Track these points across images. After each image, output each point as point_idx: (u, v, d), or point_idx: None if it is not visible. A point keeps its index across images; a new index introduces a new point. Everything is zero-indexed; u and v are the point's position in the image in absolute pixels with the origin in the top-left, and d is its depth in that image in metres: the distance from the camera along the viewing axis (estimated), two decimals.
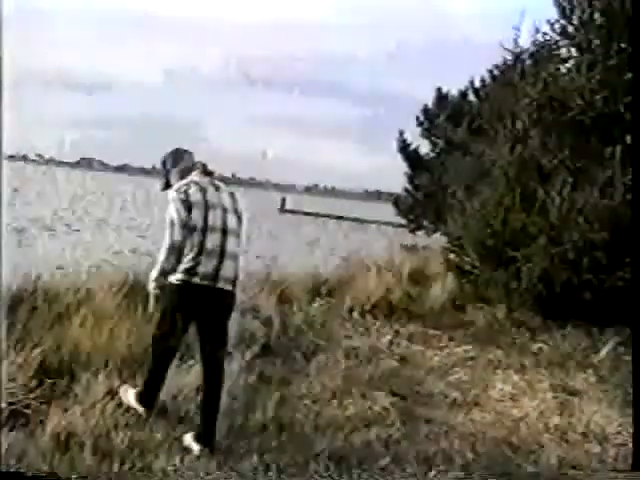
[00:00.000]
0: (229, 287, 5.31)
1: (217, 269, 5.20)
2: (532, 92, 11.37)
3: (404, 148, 29.59)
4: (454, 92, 28.85)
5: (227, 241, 5.26)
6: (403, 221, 31.13)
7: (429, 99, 29.59)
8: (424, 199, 28.27)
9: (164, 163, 5.64)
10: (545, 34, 11.96)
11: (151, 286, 5.34)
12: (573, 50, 11.77)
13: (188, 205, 5.16)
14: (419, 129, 29.46)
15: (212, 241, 5.19)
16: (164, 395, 5.81)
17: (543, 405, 7.11)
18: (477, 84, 27.41)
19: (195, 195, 5.22)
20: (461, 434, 6.07)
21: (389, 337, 9.16)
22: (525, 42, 13.13)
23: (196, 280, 5.17)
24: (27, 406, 5.58)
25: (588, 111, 10.66)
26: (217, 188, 5.38)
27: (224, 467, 4.97)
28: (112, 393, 5.85)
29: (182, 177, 5.43)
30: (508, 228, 10.85)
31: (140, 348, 7.16)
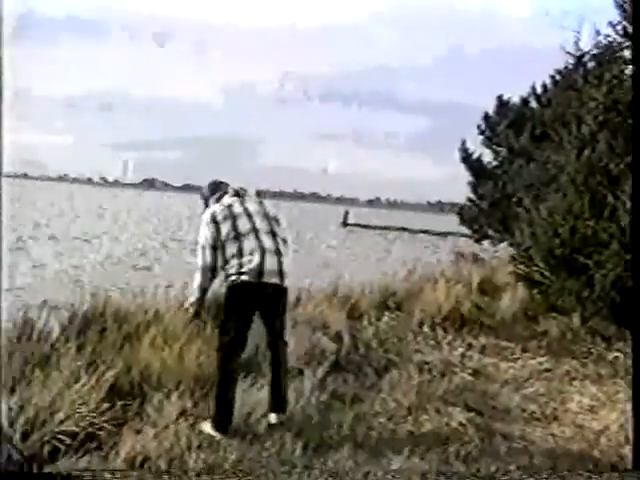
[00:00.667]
0: (275, 280, 5.75)
1: (261, 265, 5.67)
2: (597, 95, 11.13)
3: (467, 157, 29.29)
4: (515, 99, 28.46)
5: (262, 240, 5.76)
6: (468, 231, 30.83)
7: (490, 107, 29.26)
8: (489, 208, 27.90)
9: (203, 194, 6.28)
10: (607, 36, 11.72)
11: (190, 307, 6.25)
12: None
13: (216, 224, 5.80)
14: (480, 138, 29.10)
15: (248, 244, 5.72)
16: (236, 416, 5.74)
17: (623, 417, 6.86)
18: (539, 90, 27.03)
19: (221, 213, 5.84)
20: (541, 449, 5.87)
21: (461, 350, 8.98)
22: (586, 45, 12.99)
23: (244, 278, 5.67)
24: (99, 429, 5.50)
25: None
26: (242, 201, 5.99)
27: None
28: (185, 414, 5.80)
29: (217, 202, 6.06)
30: (577, 235, 10.60)
31: (211, 367, 7.16)
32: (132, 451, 5.03)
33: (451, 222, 38.37)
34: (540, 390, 7.65)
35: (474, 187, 29.27)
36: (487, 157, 29.32)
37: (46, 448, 5.01)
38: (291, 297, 10.68)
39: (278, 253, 5.80)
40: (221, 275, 5.87)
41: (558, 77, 25.10)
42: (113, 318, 8.64)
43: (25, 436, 5.04)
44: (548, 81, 26.04)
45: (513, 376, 8.16)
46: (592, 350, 9.53)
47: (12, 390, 5.59)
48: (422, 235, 51.48)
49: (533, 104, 27.33)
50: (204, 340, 7.69)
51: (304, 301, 10.43)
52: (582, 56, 15.15)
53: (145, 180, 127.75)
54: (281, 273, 5.79)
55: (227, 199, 6.01)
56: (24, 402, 5.39)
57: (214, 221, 5.80)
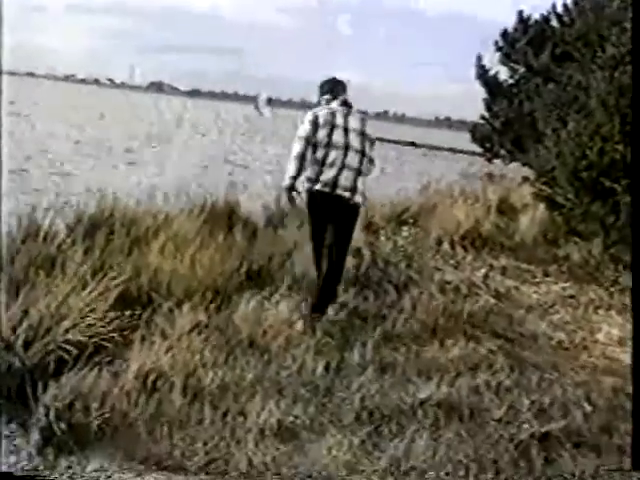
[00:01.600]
0: (347, 194, 6.16)
1: (335, 179, 6.12)
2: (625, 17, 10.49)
3: (482, 74, 28.41)
4: (536, 16, 27.48)
5: (347, 156, 6.15)
6: (478, 149, 30.18)
7: (509, 23, 28.29)
8: (502, 127, 27.20)
9: (319, 88, 6.61)
10: None
11: (285, 192, 6.23)
12: None
13: (316, 125, 6.13)
14: (497, 55, 28.21)
15: (333, 155, 6.12)
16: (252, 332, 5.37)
17: None
18: (559, 9, 26.10)
19: (323, 117, 6.16)
20: (574, 382, 5.48)
21: (483, 271, 8.57)
22: None
23: (318, 187, 6.16)
24: (108, 340, 5.10)
25: None
26: (347, 113, 6.28)
27: (324, 413, 4.51)
28: (199, 327, 5.41)
29: (327, 103, 6.41)
30: (606, 159, 10.09)
31: (223, 277, 6.79)
32: (143, 366, 4.62)
33: (461, 139, 37.74)
34: (566, 317, 7.26)
35: (488, 105, 28.46)
36: (503, 75, 28.44)
37: (50, 358, 4.59)
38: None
39: (358, 172, 6.22)
40: (303, 174, 6.18)
41: None
42: (121, 222, 8.33)
43: (27, 344, 4.64)
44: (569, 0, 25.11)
45: (537, 301, 7.76)
46: (615, 278, 9.11)
47: (16, 293, 5.16)
48: (430, 150, 50.63)
49: (554, 23, 26.38)
50: (217, 248, 7.35)
51: None
52: None
53: (152, 83, 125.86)
54: (354, 189, 6.20)
55: (335, 105, 6.33)
56: (27, 306, 4.98)
57: (315, 122, 6.15)
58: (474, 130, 29.41)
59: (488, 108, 28.37)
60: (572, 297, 8.06)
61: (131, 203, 9.19)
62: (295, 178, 6.08)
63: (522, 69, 26.93)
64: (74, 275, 5.71)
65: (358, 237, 8.70)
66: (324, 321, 5.90)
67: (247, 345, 5.29)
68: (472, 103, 29.18)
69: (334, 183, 6.13)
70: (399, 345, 5.69)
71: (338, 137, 6.17)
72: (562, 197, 10.84)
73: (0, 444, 3.97)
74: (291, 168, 6.08)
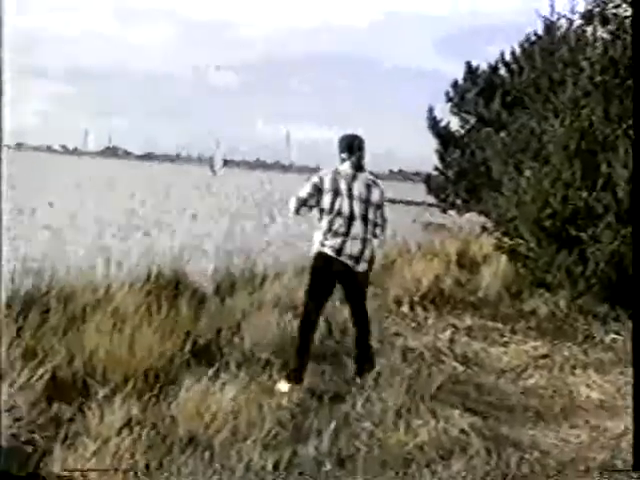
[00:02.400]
0: (351, 262, 6.19)
1: (341, 247, 6.16)
2: (592, 54, 10.09)
3: (434, 125, 28.18)
4: (484, 66, 27.40)
5: (352, 225, 6.18)
6: (433, 200, 29.82)
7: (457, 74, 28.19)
8: (456, 177, 26.90)
9: (338, 144, 6.46)
10: None
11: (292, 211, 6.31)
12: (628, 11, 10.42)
13: (319, 189, 6.21)
14: (448, 105, 28.04)
15: (338, 223, 6.17)
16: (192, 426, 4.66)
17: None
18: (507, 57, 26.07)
19: (328, 183, 6.21)
20: (558, 462, 4.84)
21: (448, 333, 7.94)
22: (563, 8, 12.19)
23: (324, 251, 6.19)
24: (28, 442, 4.41)
25: None
26: (353, 178, 6.26)
27: None
28: (131, 424, 4.70)
29: (342, 161, 6.35)
30: (569, 206, 9.61)
31: (165, 358, 6.15)
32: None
33: (415, 191, 37.42)
34: (541, 382, 6.65)
35: (441, 156, 28.18)
36: (455, 125, 28.25)
37: None
38: (257, 276, 9.75)
39: (363, 240, 6.23)
40: (313, 236, 6.34)
41: (527, 45, 24.23)
42: (58, 297, 7.74)
43: None
44: (517, 49, 25.07)
45: (508, 364, 7.15)
46: (586, 332, 8.57)
47: None
48: (388, 204, 50.31)
49: (502, 72, 26.32)
50: (159, 324, 6.72)
51: (271, 279, 9.39)
52: (558, 19, 14.30)
53: (107, 148, 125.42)
54: (358, 258, 6.22)
55: (345, 167, 6.30)
56: None
57: (318, 187, 6.22)
58: (429, 181, 29.07)
59: (441, 159, 28.10)
60: (545, 357, 7.48)
61: (71, 275, 8.65)
62: (296, 210, 6.27)
63: (473, 119, 26.74)
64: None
65: None
66: (273, 408, 5.20)
67: (186, 442, 4.57)
68: (426, 155, 28.88)
69: (339, 250, 6.19)
70: (360, 431, 4.99)
71: (343, 204, 6.19)
72: (525, 248, 10.32)
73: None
74: (294, 202, 6.26)
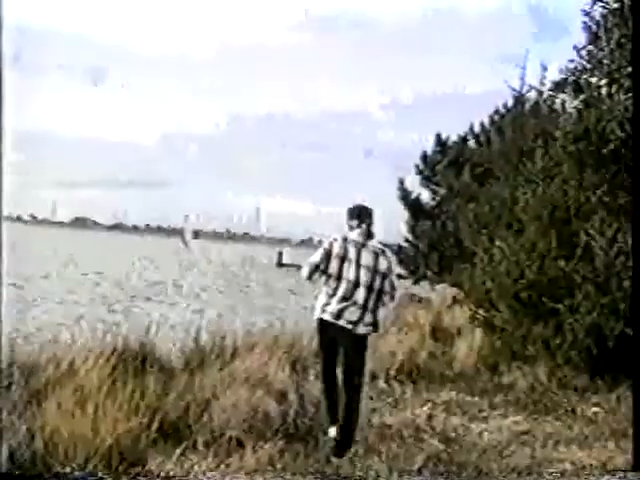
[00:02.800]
0: (349, 326, 6.26)
1: (340, 312, 6.27)
2: (565, 123, 10.03)
3: (405, 197, 28.17)
4: (454, 137, 27.56)
5: (357, 292, 6.28)
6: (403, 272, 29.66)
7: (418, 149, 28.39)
8: (427, 248, 26.80)
9: (347, 214, 6.61)
10: (572, 61, 10.66)
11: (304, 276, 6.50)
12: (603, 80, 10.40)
13: (328, 254, 6.37)
14: (417, 178, 28.13)
15: (343, 289, 6.31)
16: None
17: None
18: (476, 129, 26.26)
19: (337, 249, 6.38)
20: None
21: (426, 409, 7.63)
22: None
23: (325, 316, 6.35)
24: None
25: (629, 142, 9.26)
26: (362, 246, 6.39)
27: None
28: None
29: (351, 229, 6.50)
30: (545, 277, 9.44)
31: (131, 436, 5.84)
32: None
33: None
34: (524, 459, 6.33)
35: (411, 227, 28.13)
36: (425, 197, 28.29)
37: None
38: (227, 349, 9.42)
39: (364, 308, 6.29)
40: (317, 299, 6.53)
41: (497, 117, 24.48)
42: (21, 371, 7.46)
43: None
44: (486, 120, 25.30)
45: (489, 441, 6.84)
46: (567, 405, 8.31)
47: None
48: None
49: (471, 143, 26.48)
50: (125, 399, 6.41)
51: (242, 352, 9.07)
52: (528, 91, 14.41)
53: (77, 219, 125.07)
54: (357, 323, 6.28)
55: (354, 234, 6.44)
56: None
57: (328, 252, 6.39)
58: (399, 253, 28.93)
59: (412, 230, 28.02)
60: (526, 433, 7.18)
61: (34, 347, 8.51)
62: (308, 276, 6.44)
63: (443, 190, 26.78)
64: None
65: (284, 378, 7.81)
66: None
67: None
68: (393, 226, 28.83)
69: (338, 316, 6.29)
70: None
71: (349, 271, 6.33)
72: (500, 320, 10.13)
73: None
74: (305, 274, 6.48)
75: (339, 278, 6.33)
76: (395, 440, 6.42)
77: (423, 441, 6.51)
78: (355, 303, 6.28)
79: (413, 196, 28.21)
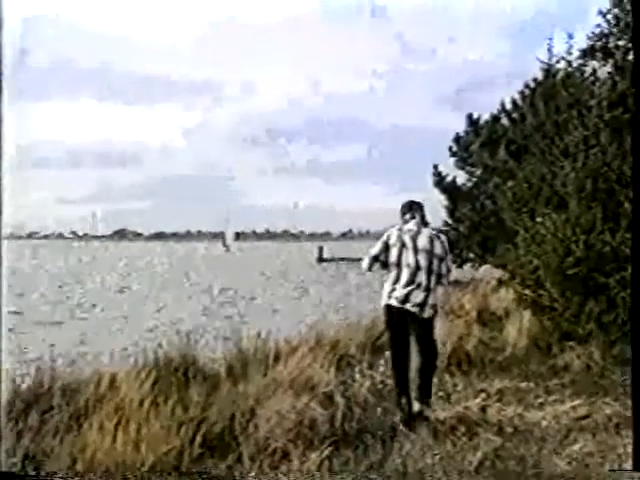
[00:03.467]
0: (416, 310, 6.71)
1: (406, 297, 6.72)
2: (599, 92, 9.64)
3: (440, 181, 27.81)
4: (486, 116, 27.12)
5: (417, 275, 6.72)
6: None
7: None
8: (467, 231, 26.41)
9: (400, 210, 7.09)
10: (598, 26, 10.30)
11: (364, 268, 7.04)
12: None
13: (386, 245, 6.88)
14: (452, 161, 27.74)
15: (405, 274, 6.75)
16: None
17: None
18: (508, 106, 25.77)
19: (394, 239, 6.86)
20: None
21: (478, 401, 7.28)
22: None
23: (392, 302, 6.80)
24: None
25: None
26: (418, 234, 6.82)
27: None
28: None
29: (405, 223, 6.96)
30: (592, 251, 9.06)
31: (173, 454, 5.64)
32: None
33: None
34: (587, 447, 5.98)
35: (450, 211, 27.76)
36: (461, 179, 27.89)
37: None
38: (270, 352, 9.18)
39: (427, 289, 6.73)
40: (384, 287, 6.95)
41: (528, 92, 23.98)
42: (61, 393, 7.29)
43: None
44: (517, 97, 24.78)
45: (547, 430, 6.48)
46: (626, 384, 7.92)
47: None
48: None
49: (504, 121, 25.99)
50: (168, 414, 6.21)
51: (285, 355, 8.81)
52: (557, 61, 14.00)
53: (116, 232, 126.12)
54: (423, 305, 6.72)
55: (409, 225, 6.89)
56: None
57: (386, 242, 6.90)
58: None
59: (451, 214, 27.66)
60: (586, 417, 6.83)
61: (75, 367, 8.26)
62: (369, 266, 6.96)
63: (479, 171, 26.37)
64: None
65: (328, 378, 7.53)
66: None
67: None
68: (432, 211, 28.50)
69: (404, 300, 6.71)
70: None
71: (408, 258, 6.76)
72: (548, 299, 9.77)
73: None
74: (365, 266, 7.01)
75: (399, 265, 6.77)
76: (449, 437, 6.09)
77: (478, 435, 6.18)
78: (419, 286, 6.70)
79: (448, 180, 27.84)
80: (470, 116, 27.60)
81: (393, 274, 6.81)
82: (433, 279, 6.75)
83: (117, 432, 5.79)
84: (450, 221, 27.80)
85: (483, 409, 6.99)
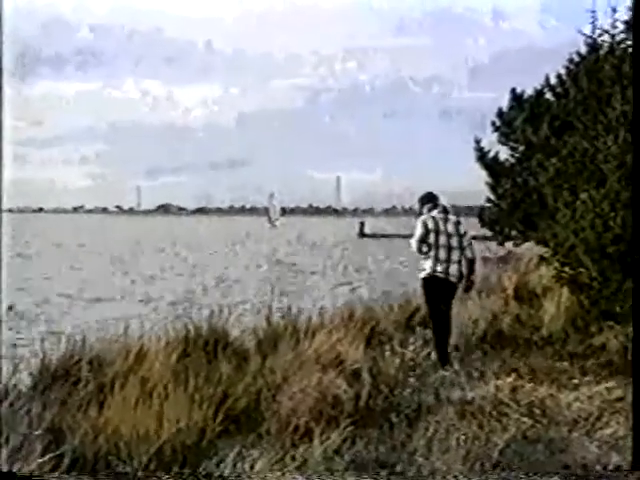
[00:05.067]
0: (454, 280, 8.43)
1: (447, 270, 8.36)
2: None
3: (482, 156, 27.40)
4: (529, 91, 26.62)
5: (452, 253, 8.39)
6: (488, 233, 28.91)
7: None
8: (509, 207, 26.01)
9: (420, 201, 8.80)
10: None
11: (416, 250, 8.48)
12: None
13: (427, 230, 8.38)
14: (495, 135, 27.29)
15: (442, 253, 8.36)
16: None
17: None
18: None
19: (430, 225, 8.41)
20: None
21: (510, 380, 7.07)
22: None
23: (437, 274, 8.33)
24: None
25: None
26: (446, 220, 8.52)
27: None
28: None
29: (429, 211, 8.55)
30: (631, 228, 8.75)
31: (193, 434, 5.54)
32: None
33: (468, 225, 36.69)
34: (620, 431, 5.76)
35: (492, 187, 27.36)
36: (504, 155, 27.43)
37: None
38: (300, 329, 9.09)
39: (459, 263, 8.44)
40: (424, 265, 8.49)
41: (572, 66, 23.39)
42: (89, 366, 7.24)
43: None
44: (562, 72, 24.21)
45: (580, 412, 6.26)
46: None
47: None
48: None
49: (548, 96, 25.48)
50: (193, 389, 6.12)
51: (316, 330, 8.67)
52: (600, 35, 13.63)
53: (160, 206, 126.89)
54: (459, 276, 8.45)
55: (436, 213, 8.55)
56: None
57: (425, 227, 8.41)
58: (482, 214, 28.23)
59: (493, 190, 27.27)
60: (620, 400, 6.59)
61: (107, 338, 8.33)
62: (419, 251, 8.44)
63: (522, 146, 25.90)
64: None
65: (358, 355, 7.38)
66: None
67: None
68: (475, 188, 28.13)
69: (446, 273, 8.35)
70: None
71: (443, 240, 8.40)
72: (587, 277, 9.48)
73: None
74: (417, 246, 8.42)
75: (437, 246, 8.34)
76: (476, 417, 5.90)
77: (507, 416, 5.98)
78: (454, 262, 8.37)
79: (491, 155, 27.40)
80: (514, 90, 27.09)
81: (433, 253, 8.34)
82: (462, 255, 8.44)
83: (140, 406, 5.76)
84: (492, 197, 27.41)
85: (514, 389, 6.79)
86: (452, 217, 8.56)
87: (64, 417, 5.76)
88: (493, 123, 27.08)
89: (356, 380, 6.58)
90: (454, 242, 8.42)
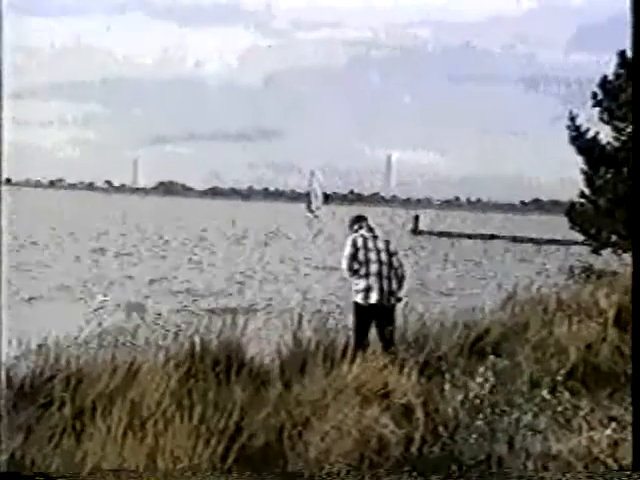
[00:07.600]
0: (384, 297, 10.26)
1: (381, 287, 10.22)
2: None
3: (577, 137, 27.16)
4: None
5: (382, 269, 10.27)
6: (581, 237, 28.82)
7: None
8: (609, 206, 25.85)
9: (349, 222, 10.98)
10: None
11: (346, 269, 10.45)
12: None
13: (356, 248, 10.32)
14: (596, 110, 27.11)
15: (373, 268, 10.24)
16: None
17: None
18: None
19: (360, 243, 10.38)
20: None
21: (608, 432, 7.02)
22: None
23: (371, 300, 10.21)
24: None
25: None
26: (375, 238, 10.53)
27: None
28: None
29: (356, 231, 10.63)
30: None
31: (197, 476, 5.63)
32: None
33: (555, 225, 36.72)
34: None
35: (589, 178, 27.14)
36: (606, 136, 27.24)
37: None
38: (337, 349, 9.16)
39: (389, 278, 10.27)
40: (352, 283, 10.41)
41: None
42: (64, 384, 7.53)
43: None
44: None
45: None
46: None
47: None
48: (520, 245, 49.44)
49: None
50: (194, 424, 6.22)
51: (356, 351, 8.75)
52: None
53: (161, 183, 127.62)
54: (390, 294, 10.26)
55: (364, 232, 10.56)
56: None
57: (355, 245, 10.33)
58: (572, 212, 28.04)
59: (589, 182, 27.07)
60: None
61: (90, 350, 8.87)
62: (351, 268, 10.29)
63: (630, 127, 25.73)
64: None
65: (409, 388, 7.38)
66: None
67: None
68: (568, 178, 28.01)
69: (379, 290, 10.17)
70: None
71: (373, 256, 10.28)
72: None
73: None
74: (346, 266, 10.30)
75: (367, 262, 10.23)
76: (564, 476, 5.88)
77: (604, 479, 5.96)
78: (385, 277, 10.23)
79: (589, 136, 27.15)
80: (623, 54, 26.70)
81: (363, 270, 10.21)
82: (393, 272, 10.36)
83: (128, 439, 5.91)
84: (587, 191, 27.18)
85: (613, 444, 6.73)
86: (380, 235, 10.73)
87: (29, 449, 5.94)
88: (594, 95, 26.88)
89: (406, 418, 6.62)
90: (384, 257, 10.35)
